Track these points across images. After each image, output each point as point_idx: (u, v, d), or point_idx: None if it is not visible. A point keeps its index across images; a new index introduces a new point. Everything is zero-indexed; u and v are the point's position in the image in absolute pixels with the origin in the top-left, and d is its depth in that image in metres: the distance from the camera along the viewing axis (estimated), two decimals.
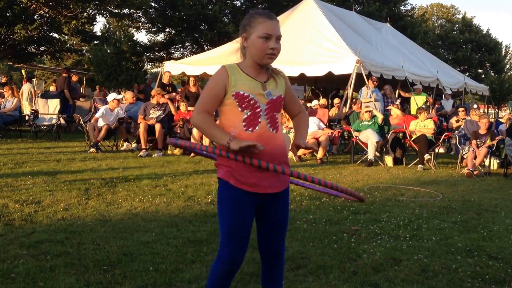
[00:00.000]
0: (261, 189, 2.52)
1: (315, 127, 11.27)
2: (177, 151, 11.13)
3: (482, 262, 4.11)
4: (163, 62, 17.17)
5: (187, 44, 31.43)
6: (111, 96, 11.64)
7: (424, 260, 4.10)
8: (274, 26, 2.50)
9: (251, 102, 2.49)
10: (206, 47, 27.53)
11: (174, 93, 13.66)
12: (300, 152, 10.83)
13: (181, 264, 3.73)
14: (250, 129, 2.48)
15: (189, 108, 11.62)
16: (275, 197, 2.59)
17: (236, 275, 3.44)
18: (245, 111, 2.49)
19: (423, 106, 13.59)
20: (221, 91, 2.48)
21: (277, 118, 2.58)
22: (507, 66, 41.68)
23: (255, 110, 2.49)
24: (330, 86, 19.06)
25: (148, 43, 31.76)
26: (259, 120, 2.50)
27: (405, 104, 15.74)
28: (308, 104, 13.64)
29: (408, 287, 3.45)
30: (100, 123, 10.97)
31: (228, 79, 2.47)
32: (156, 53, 31.56)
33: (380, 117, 11.17)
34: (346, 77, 13.67)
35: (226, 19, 28.44)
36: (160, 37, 32.00)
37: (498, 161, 10.85)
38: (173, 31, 30.08)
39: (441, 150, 13.68)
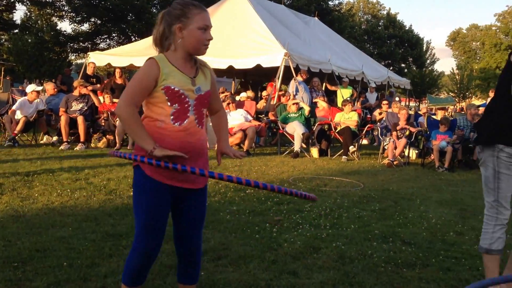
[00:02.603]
0: (177, 183, 2.48)
1: (242, 119, 11.32)
2: (101, 143, 10.81)
3: (396, 248, 4.27)
4: (88, 53, 16.62)
5: (114, 34, 30.56)
6: (30, 88, 11.12)
7: (342, 247, 4.20)
8: (209, 17, 2.51)
9: (181, 97, 2.44)
10: (133, 38, 26.88)
11: (98, 85, 13.24)
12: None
13: (98, 259, 3.62)
14: (177, 123, 2.44)
15: (114, 100, 11.30)
16: (192, 192, 2.57)
17: (155, 268, 3.39)
18: (174, 105, 2.44)
19: (348, 98, 13.97)
20: (151, 84, 2.41)
21: (203, 114, 2.57)
22: (428, 61, 43.61)
23: (184, 105, 2.46)
24: (259, 78, 19.18)
25: (72, 33, 30.56)
26: (188, 115, 2.47)
27: (331, 97, 16.13)
28: (237, 97, 13.66)
29: (325, 274, 3.52)
30: (18, 115, 10.46)
31: (159, 72, 2.41)
32: (81, 44, 30.43)
33: (306, 109, 11.37)
34: (275, 69, 13.80)
35: (154, 10, 27.88)
36: (85, 27, 30.88)
37: (416, 151, 11.36)
38: (99, 21, 29.13)
39: (365, 142, 14.15)
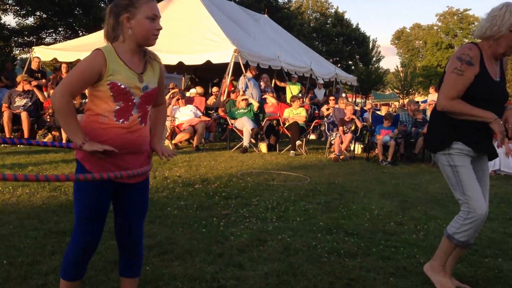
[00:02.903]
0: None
1: (191, 115, 11.29)
2: (46, 140, 10.53)
3: (339, 239, 4.40)
4: (33, 47, 16.11)
5: (60, 29, 29.62)
6: None
7: (288, 239, 4.30)
8: (157, 6, 2.48)
9: (127, 94, 2.40)
10: (81, 33, 26.17)
11: (43, 80, 12.87)
12: (177, 139, 10.83)
13: (40, 256, 3.56)
14: (120, 120, 2.41)
15: None
16: (133, 186, 2.55)
17: (98, 264, 3.37)
18: (118, 102, 2.40)
19: (299, 95, 14.16)
20: (94, 76, 2.35)
21: (148, 111, 2.55)
22: (374, 59, 44.65)
23: (128, 103, 2.42)
24: (209, 75, 19.15)
25: (17, 27, 29.44)
26: (132, 112, 2.44)
27: (280, 93, 16.31)
28: (187, 93, 13.62)
29: (270, 265, 3.60)
30: None
31: (105, 65, 2.35)
32: (26, 38, 29.35)
33: (255, 105, 11.47)
34: (225, 66, 13.84)
35: (102, 4, 27.24)
36: (30, 20, 29.80)
37: (362, 146, 11.67)
38: (45, 15, 28.16)
39: (313, 137, 14.41)
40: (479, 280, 3.51)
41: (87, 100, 2.68)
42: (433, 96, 14.35)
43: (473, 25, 50.22)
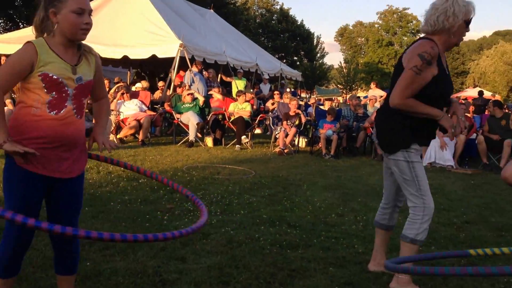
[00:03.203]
0: (48, 172, 2.39)
1: (137, 109, 11.15)
2: None
3: (282, 231, 4.49)
4: None
5: (0, 21, 28.43)
6: None
7: (231, 232, 4.34)
8: (86, 0, 2.40)
9: (60, 85, 2.35)
10: (21, 25, 25.17)
11: None
12: (122, 133, 10.67)
13: None
14: (54, 112, 2.35)
15: None
16: (66, 181, 2.48)
17: (37, 260, 3.30)
18: (51, 93, 2.34)
19: (244, 89, 14.23)
20: (26, 69, 2.30)
21: (84, 104, 2.49)
22: (318, 55, 45.35)
23: (61, 94, 2.36)
24: (155, 69, 18.94)
25: None
26: (65, 104, 2.38)
27: (226, 88, 16.33)
28: (133, 88, 13.43)
29: (213, 258, 3.64)
30: None
31: (36, 57, 2.29)
32: None
33: (201, 99, 11.44)
34: (171, 60, 13.72)
35: None
36: None
37: (306, 140, 11.88)
38: None
39: (258, 131, 14.53)
40: None
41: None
42: (373, 92, 14.78)
43: (411, 23, 51.86)
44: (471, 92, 31.31)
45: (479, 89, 25.54)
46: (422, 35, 3.32)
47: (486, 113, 10.30)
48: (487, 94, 28.30)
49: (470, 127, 10.13)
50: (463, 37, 3.23)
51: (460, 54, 56.50)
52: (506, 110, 11.94)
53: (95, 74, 2.55)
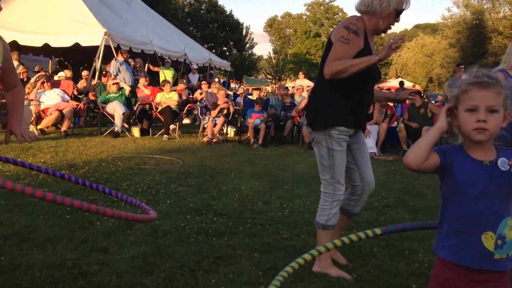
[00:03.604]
0: None
1: (58, 98, 10.73)
2: None
3: (208, 219, 4.47)
4: None
5: None
6: None
7: (156, 222, 4.26)
8: None
9: None
10: None
11: None
12: (43, 124, 10.24)
13: None
14: None
15: None
16: None
17: None
18: None
19: (174, 80, 14.04)
20: None
21: None
22: (248, 45, 45.49)
23: None
24: (79, 58, 18.28)
25: None
26: None
27: (154, 78, 16.05)
28: (55, 77, 12.90)
29: (137, 248, 3.56)
30: None
31: None
32: None
33: (127, 89, 11.18)
34: (96, 49, 13.30)
35: None
36: None
37: (234, 129, 11.90)
38: None
39: (187, 121, 14.41)
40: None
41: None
42: (301, 82, 14.99)
43: (337, 16, 53.10)
44: (394, 83, 32.51)
45: (401, 79, 26.57)
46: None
47: (407, 102, 10.72)
48: (408, 84, 29.53)
49: (391, 115, 10.53)
50: (391, 26, 3.28)
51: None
52: (426, 100, 12.53)
53: (3, 61, 2.42)
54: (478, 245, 1.68)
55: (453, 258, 1.73)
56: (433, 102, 12.47)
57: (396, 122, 10.68)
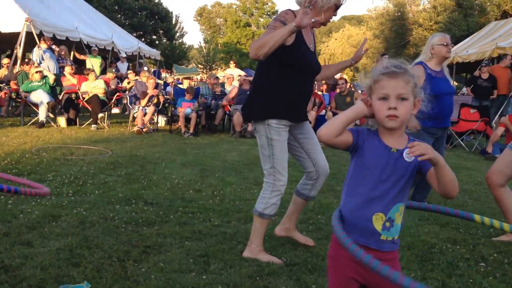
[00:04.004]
0: None
1: None
2: None
3: (138, 209, 4.40)
4: None
5: None
6: None
7: (84, 213, 4.15)
8: None
9: None
10: None
11: None
12: None
13: None
14: None
15: None
16: None
17: None
18: None
19: (102, 69, 13.60)
20: None
21: None
22: (178, 34, 44.81)
23: None
24: (0, 45, 17.40)
25: None
26: None
27: (80, 66, 15.52)
28: None
29: (63, 240, 3.44)
30: None
31: None
32: None
33: (51, 77, 10.74)
34: (17, 35, 12.69)
35: None
36: None
37: (165, 118, 11.76)
38: None
39: (116, 111, 14.08)
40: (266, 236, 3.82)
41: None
42: (232, 70, 15.01)
43: (267, 5, 53.39)
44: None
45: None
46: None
47: (336, 91, 11.02)
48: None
49: (319, 104, 10.77)
50: (330, 20, 3.33)
51: None
52: (352, 88, 12.90)
53: None
54: (368, 223, 1.79)
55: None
56: (359, 91, 12.86)
57: (324, 110, 10.92)
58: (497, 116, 11.47)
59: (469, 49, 16.83)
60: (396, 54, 35.29)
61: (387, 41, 39.63)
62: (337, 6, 3.27)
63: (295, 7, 3.29)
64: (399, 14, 39.24)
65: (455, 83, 21.84)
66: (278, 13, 3.31)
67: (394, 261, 1.86)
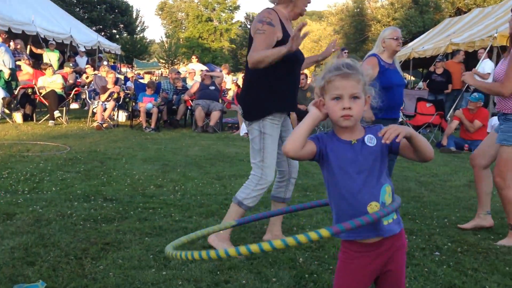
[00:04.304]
0: None
1: None
2: None
3: (97, 205, 4.32)
4: None
5: None
6: None
7: (40, 210, 4.05)
8: None
9: None
10: None
11: None
12: None
13: None
14: None
15: None
16: None
17: None
18: None
19: (60, 63, 13.23)
20: None
21: None
22: (139, 28, 44.13)
23: None
24: None
25: None
26: None
27: (38, 61, 15.11)
28: None
29: (17, 239, 3.35)
30: None
31: None
32: None
33: (6, 72, 10.42)
34: None
35: None
36: None
37: (126, 113, 11.59)
38: None
39: (75, 106, 13.79)
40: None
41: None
42: (194, 65, 14.88)
43: (228, 0, 53.11)
44: None
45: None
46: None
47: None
48: None
49: None
50: (305, 9, 3.41)
51: None
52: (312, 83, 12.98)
53: None
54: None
55: (350, 236, 1.85)
56: None
57: None
58: (452, 110, 11.77)
59: (425, 45, 17.21)
60: (355, 50, 35.88)
61: (347, 37, 40.25)
62: None
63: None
64: (358, 10, 40.03)
65: (413, 78, 22.28)
66: (260, 13, 3.30)
67: (402, 249, 1.90)
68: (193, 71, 13.09)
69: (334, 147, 1.82)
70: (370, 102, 1.85)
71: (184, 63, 42.85)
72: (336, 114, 1.77)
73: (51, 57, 14.60)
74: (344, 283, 1.91)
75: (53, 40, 15.65)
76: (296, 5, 3.34)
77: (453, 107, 11.88)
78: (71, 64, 14.82)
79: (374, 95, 1.86)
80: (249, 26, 60.74)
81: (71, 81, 13.16)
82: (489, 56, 12.18)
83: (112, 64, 21.72)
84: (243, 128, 9.83)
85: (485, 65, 11.71)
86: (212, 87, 10.67)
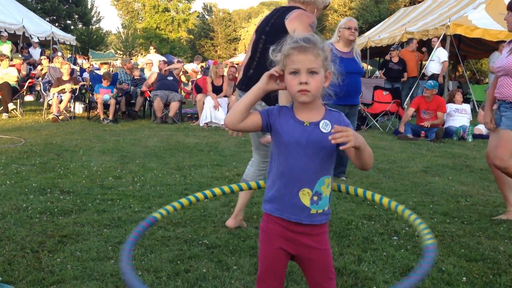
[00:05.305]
0: None
1: None
2: None
3: (54, 198, 4.24)
4: None
5: None
6: None
7: None
8: None
9: None
10: None
11: None
12: None
13: None
14: None
15: None
16: None
17: None
18: None
19: (12, 54, 12.84)
20: None
21: None
22: (94, 19, 43.15)
23: None
24: None
25: None
26: None
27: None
28: None
29: None
30: None
31: None
32: None
33: None
34: None
35: None
36: None
37: (83, 105, 11.36)
38: None
39: (30, 98, 13.44)
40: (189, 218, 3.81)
41: None
42: (152, 56, 14.71)
43: None
44: (242, 57, 33.32)
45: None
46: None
47: None
48: None
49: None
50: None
51: (232, 22, 59.74)
52: None
53: None
54: (296, 200, 1.80)
55: (274, 212, 1.85)
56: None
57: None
58: (408, 98, 12.04)
59: (381, 34, 17.50)
60: None
61: None
62: (325, 6, 3.62)
63: None
64: None
65: (370, 67, 22.62)
66: (309, 17, 3.34)
67: (323, 235, 1.88)
68: (150, 62, 12.92)
69: (284, 124, 1.79)
70: (331, 78, 1.80)
71: (142, 54, 42.20)
72: (293, 89, 1.73)
73: (3, 48, 14.14)
74: (266, 250, 1.90)
75: (5, 31, 15.21)
76: (317, 10, 3.55)
77: (409, 94, 12.15)
78: (19, 55, 14.37)
79: (335, 71, 1.81)
80: (207, 17, 60.19)
81: (23, 73, 12.80)
82: (443, 44, 12.50)
83: (70, 56, 21.22)
84: (203, 118, 9.79)
85: (440, 54, 12.01)
86: (170, 77, 10.54)
